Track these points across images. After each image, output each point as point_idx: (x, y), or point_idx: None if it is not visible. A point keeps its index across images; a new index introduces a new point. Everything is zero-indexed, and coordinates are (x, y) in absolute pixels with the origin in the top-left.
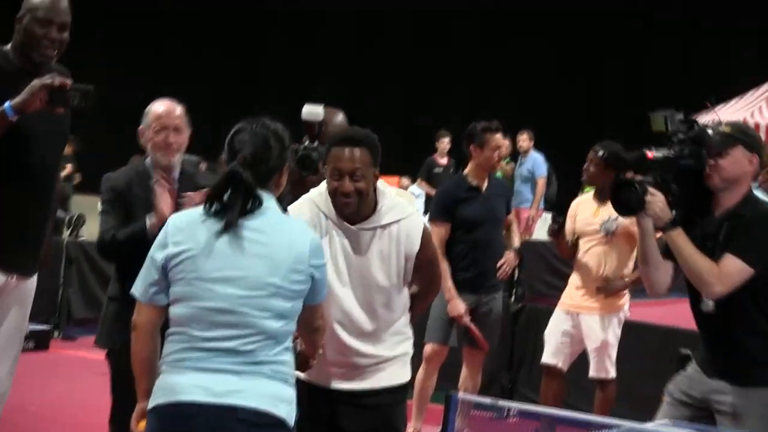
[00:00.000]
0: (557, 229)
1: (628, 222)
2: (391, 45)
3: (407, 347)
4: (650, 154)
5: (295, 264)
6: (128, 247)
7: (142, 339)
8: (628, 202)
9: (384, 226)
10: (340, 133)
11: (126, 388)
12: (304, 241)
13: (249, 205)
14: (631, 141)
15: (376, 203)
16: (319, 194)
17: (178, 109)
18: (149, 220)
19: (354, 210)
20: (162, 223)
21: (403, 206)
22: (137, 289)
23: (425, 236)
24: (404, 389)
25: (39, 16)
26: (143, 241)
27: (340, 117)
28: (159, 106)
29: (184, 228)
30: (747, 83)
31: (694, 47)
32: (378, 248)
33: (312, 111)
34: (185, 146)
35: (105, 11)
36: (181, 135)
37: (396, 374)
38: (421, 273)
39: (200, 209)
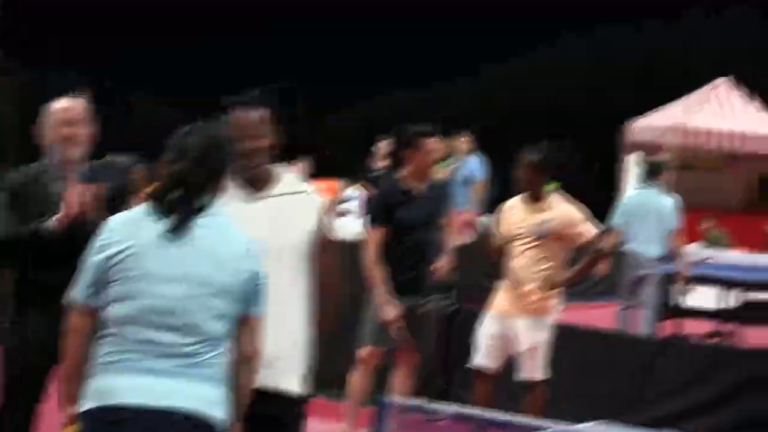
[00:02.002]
0: (486, 233)
1: (559, 225)
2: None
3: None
4: None
5: (235, 264)
6: (31, 244)
7: (77, 343)
8: None
9: (289, 195)
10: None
11: (17, 389)
12: (244, 244)
13: (194, 205)
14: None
15: (274, 174)
16: None
17: (80, 104)
18: (55, 217)
19: (254, 171)
20: (68, 217)
21: (305, 184)
22: (75, 294)
23: (322, 214)
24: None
25: None
26: (50, 239)
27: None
28: (60, 102)
29: (124, 227)
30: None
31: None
32: (282, 216)
33: None
34: (89, 141)
35: None
36: (83, 128)
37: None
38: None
39: (139, 209)
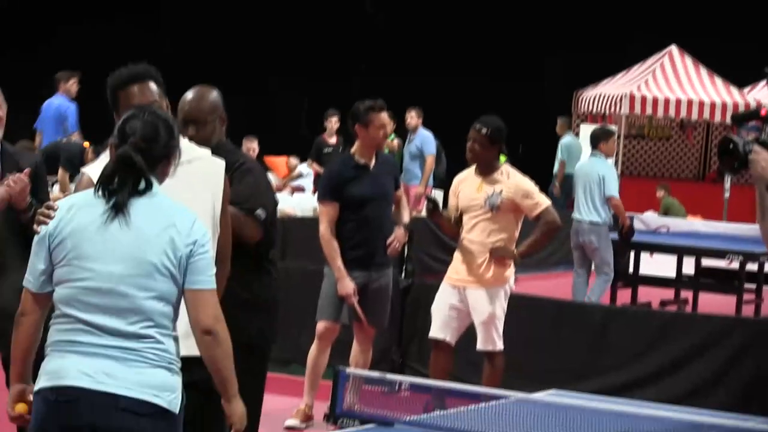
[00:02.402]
0: (432, 208)
1: (512, 195)
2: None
3: None
4: (764, 111)
5: (173, 243)
6: None
7: (27, 328)
8: (731, 159)
9: (189, 162)
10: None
11: None
12: (184, 221)
13: (138, 187)
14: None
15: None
16: None
17: None
18: None
19: None
20: None
21: (205, 150)
22: (27, 278)
23: (226, 181)
24: None
25: None
26: None
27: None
28: None
29: (68, 211)
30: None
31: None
32: (187, 183)
33: None
34: (4, 122)
35: None
36: (1, 108)
37: None
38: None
39: (85, 192)
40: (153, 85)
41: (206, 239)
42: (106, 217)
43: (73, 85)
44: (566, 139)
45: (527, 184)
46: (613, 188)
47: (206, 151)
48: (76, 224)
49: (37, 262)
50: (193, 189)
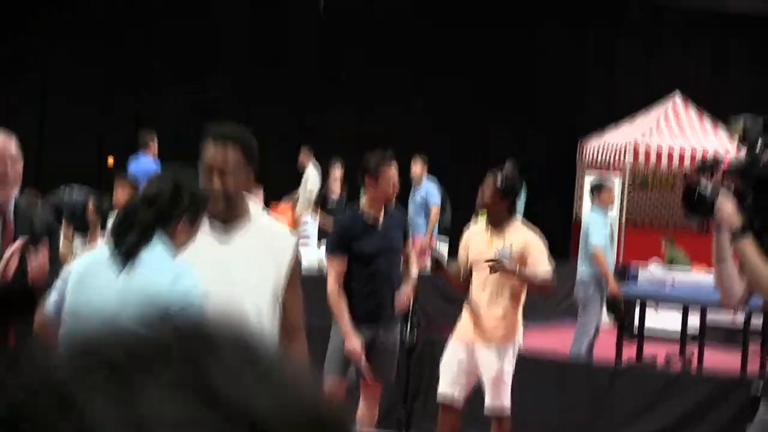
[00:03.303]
0: (436, 266)
1: (521, 250)
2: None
3: None
4: (727, 158)
5: (165, 294)
6: None
7: None
8: (697, 205)
9: (256, 232)
10: (215, 127)
11: None
12: (173, 273)
13: (141, 242)
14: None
15: (247, 208)
16: None
17: (13, 141)
18: None
19: (221, 207)
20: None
21: (278, 223)
22: (48, 308)
23: (295, 257)
24: None
25: None
26: None
27: None
28: None
29: (82, 265)
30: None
31: (582, 73)
32: (248, 248)
33: None
34: (20, 179)
35: None
36: (17, 165)
37: None
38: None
39: (101, 249)
40: (233, 152)
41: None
42: (107, 269)
43: (155, 145)
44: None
45: (538, 242)
46: (596, 236)
47: (279, 225)
48: (82, 276)
49: (53, 298)
50: (254, 257)
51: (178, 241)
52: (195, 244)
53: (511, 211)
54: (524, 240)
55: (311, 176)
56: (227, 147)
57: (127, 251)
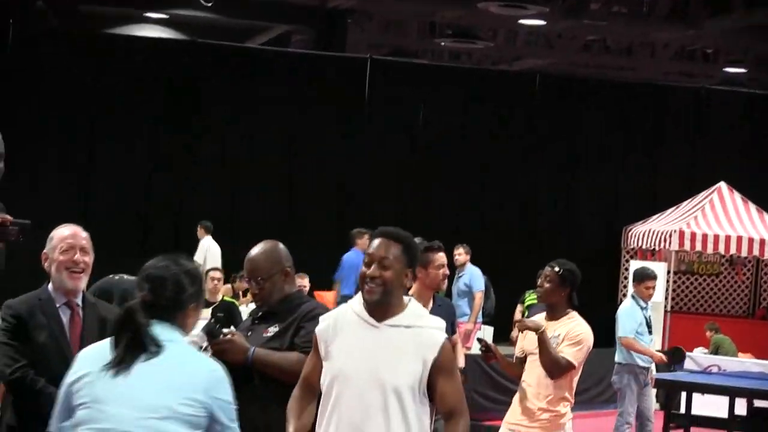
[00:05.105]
0: (485, 350)
1: (564, 335)
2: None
3: None
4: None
5: (189, 389)
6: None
7: None
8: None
9: (408, 327)
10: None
11: None
12: (203, 371)
13: (142, 344)
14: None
15: (404, 306)
16: (357, 299)
17: (84, 232)
18: None
19: (377, 299)
20: None
21: (430, 317)
22: (51, 426)
23: (446, 350)
24: None
25: None
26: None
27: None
28: (64, 229)
29: (89, 357)
30: (682, 194)
31: (627, 158)
32: (397, 347)
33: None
34: (90, 270)
35: None
36: (87, 256)
37: None
38: (440, 397)
39: (106, 343)
40: (394, 248)
41: (230, 395)
42: (114, 364)
43: (366, 240)
44: None
45: (579, 332)
46: (623, 329)
47: (432, 322)
48: (93, 368)
49: (58, 408)
50: (402, 355)
51: (188, 328)
52: (347, 333)
53: (568, 302)
54: (569, 328)
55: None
56: (391, 242)
57: (122, 356)
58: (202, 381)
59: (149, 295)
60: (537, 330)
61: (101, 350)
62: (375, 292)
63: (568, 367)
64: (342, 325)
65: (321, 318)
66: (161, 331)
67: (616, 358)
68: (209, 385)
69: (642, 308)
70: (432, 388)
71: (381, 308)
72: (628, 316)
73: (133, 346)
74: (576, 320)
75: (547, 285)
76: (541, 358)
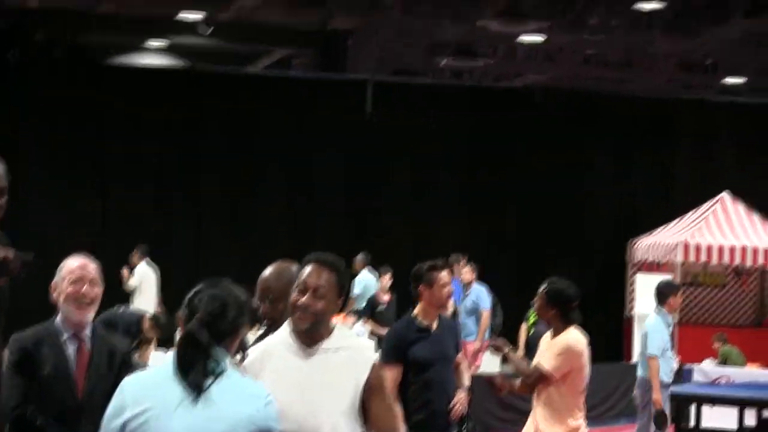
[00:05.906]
0: (505, 355)
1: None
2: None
3: None
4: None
5: (250, 424)
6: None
7: None
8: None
9: (337, 350)
10: (315, 253)
11: None
12: (258, 403)
13: (209, 367)
14: (575, 268)
15: (331, 330)
16: (283, 328)
17: (93, 264)
18: None
19: (307, 327)
20: None
21: (358, 338)
22: None
23: (376, 369)
24: None
25: None
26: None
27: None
28: (74, 261)
29: (143, 389)
30: (686, 205)
31: (630, 172)
32: (328, 369)
33: None
34: (98, 302)
35: None
36: (95, 288)
37: None
38: (374, 419)
39: (158, 369)
40: (328, 275)
41: (275, 419)
42: (183, 398)
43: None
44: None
45: (561, 341)
46: (653, 347)
47: (360, 342)
48: (155, 403)
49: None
50: (333, 378)
51: (232, 354)
52: (276, 362)
53: (563, 318)
54: (557, 341)
55: (364, 282)
56: (324, 269)
57: (197, 382)
58: (256, 412)
59: (207, 316)
60: (503, 351)
61: (156, 381)
62: (306, 320)
63: (541, 373)
64: (270, 356)
65: (249, 350)
66: (222, 355)
67: (640, 373)
68: (266, 415)
69: (668, 325)
70: (366, 411)
71: (311, 335)
72: (657, 332)
73: (205, 372)
74: (569, 334)
75: (537, 303)
76: (519, 371)
